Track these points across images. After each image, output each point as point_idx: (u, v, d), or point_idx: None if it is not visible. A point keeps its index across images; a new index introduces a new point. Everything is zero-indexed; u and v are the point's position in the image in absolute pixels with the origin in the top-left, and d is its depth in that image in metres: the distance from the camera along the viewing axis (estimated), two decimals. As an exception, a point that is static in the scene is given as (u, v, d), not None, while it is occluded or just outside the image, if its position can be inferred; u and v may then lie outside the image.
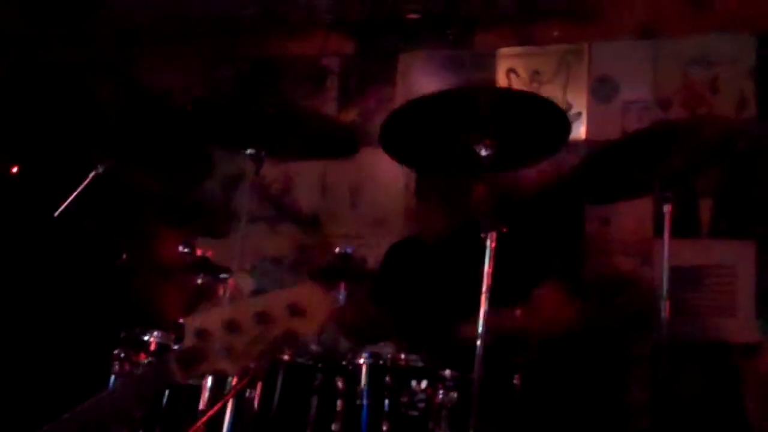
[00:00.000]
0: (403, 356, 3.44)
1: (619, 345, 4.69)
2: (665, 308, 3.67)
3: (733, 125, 4.29)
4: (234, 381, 3.41)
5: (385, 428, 3.33)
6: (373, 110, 5.40)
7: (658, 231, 4.55)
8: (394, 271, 4.43)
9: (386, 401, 3.36)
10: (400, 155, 3.80)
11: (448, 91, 3.58)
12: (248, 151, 4.03)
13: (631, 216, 4.83)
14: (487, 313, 3.24)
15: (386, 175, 5.29)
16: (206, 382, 3.42)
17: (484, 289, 3.25)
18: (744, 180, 4.64)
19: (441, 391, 3.35)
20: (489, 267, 3.28)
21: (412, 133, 3.57)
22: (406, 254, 4.46)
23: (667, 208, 3.72)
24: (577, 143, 4.75)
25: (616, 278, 4.83)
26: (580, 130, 4.97)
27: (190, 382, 3.51)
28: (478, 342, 3.23)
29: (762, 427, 4.29)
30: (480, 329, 3.24)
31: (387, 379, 3.38)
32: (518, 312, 3.73)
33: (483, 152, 3.46)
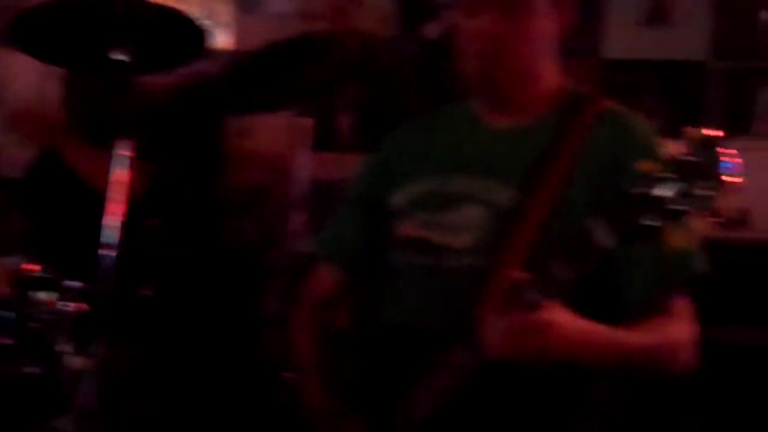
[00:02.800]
0: (25, 267, 3.28)
1: (254, 257, 4.69)
2: (302, 221, 3.70)
3: (375, 41, 4.34)
4: None
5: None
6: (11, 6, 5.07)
7: (297, 144, 4.59)
8: (39, 181, 4.21)
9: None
10: (36, 53, 3.59)
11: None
12: None
13: (270, 129, 4.81)
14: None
15: (19, 79, 5.03)
16: None
17: (120, 198, 3.15)
18: (382, 96, 4.73)
19: (67, 303, 3.23)
20: (125, 176, 3.18)
21: (46, 34, 3.37)
22: (52, 164, 4.23)
23: (307, 122, 3.73)
24: (221, 53, 4.65)
25: (253, 191, 4.82)
26: (225, 40, 4.88)
27: None
28: (108, 252, 3.13)
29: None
30: (111, 239, 3.13)
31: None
32: (155, 222, 3.65)
33: (120, 56, 3.33)
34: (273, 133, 4.81)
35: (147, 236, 3.61)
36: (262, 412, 4.01)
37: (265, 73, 3.69)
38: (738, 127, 4.40)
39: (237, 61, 3.87)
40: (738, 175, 1.70)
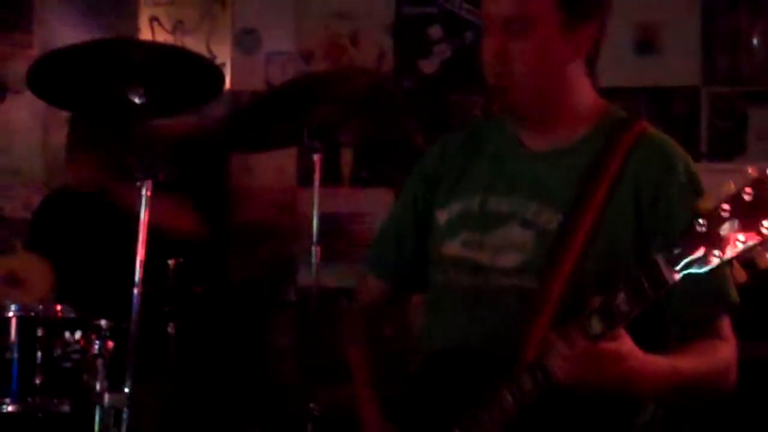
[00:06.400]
0: (55, 307, 3.35)
1: (264, 292, 4.78)
2: (316, 255, 3.77)
3: (376, 78, 4.43)
4: None
5: (38, 381, 3.24)
6: (8, 57, 5.16)
7: (302, 181, 4.71)
8: (50, 221, 4.29)
9: (39, 354, 3.27)
10: (53, 99, 3.71)
11: (93, 42, 3.54)
12: None
13: (273, 166, 4.91)
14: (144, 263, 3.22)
15: (22, 126, 5.11)
16: None
17: (141, 238, 3.23)
18: (381, 131, 4.83)
19: (96, 342, 3.30)
20: (145, 215, 3.25)
21: (63, 80, 3.47)
22: (63, 204, 4.32)
23: (316, 158, 3.81)
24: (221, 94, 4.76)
25: (260, 228, 4.91)
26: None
27: None
28: (135, 291, 3.21)
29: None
30: (137, 278, 3.21)
31: (39, 331, 3.29)
32: (172, 262, 3.73)
33: (137, 100, 3.43)
34: (276, 169, 4.91)
35: (171, 274, 3.70)
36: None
37: (274, 113, 3.78)
38: (733, 149, 4.53)
39: (249, 102, 3.95)
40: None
